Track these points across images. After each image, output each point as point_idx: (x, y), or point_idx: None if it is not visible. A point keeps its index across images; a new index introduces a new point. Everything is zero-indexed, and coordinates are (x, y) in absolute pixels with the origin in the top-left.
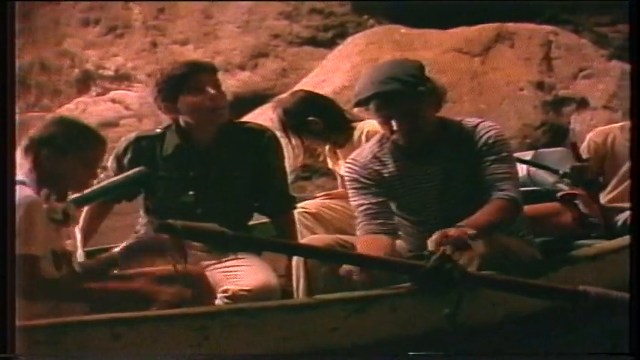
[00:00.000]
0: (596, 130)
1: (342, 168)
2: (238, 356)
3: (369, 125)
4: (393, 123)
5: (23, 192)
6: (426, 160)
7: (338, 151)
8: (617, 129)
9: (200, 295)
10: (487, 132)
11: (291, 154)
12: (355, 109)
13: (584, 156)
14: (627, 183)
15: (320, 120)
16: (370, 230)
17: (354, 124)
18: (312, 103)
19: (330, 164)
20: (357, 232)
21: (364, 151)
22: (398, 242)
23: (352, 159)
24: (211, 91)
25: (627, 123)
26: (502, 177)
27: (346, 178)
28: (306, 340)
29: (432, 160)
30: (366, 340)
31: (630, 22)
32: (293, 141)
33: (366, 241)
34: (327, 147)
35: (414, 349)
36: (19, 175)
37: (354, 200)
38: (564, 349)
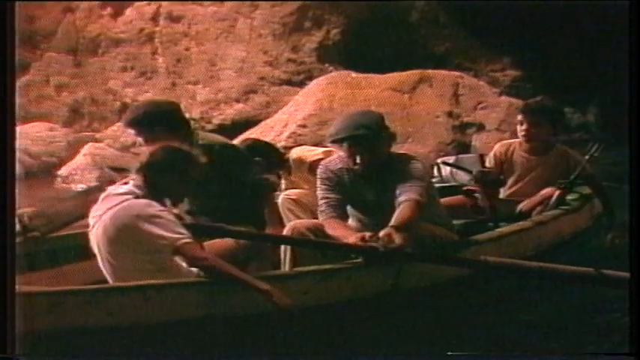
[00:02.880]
0: (501, 143)
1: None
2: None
3: (293, 153)
4: (357, 158)
5: (135, 202)
6: (374, 181)
7: (280, 174)
8: (516, 143)
9: None
10: (406, 160)
11: None
12: (329, 144)
13: (488, 164)
14: (521, 183)
15: (261, 159)
16: (331, 216)
17: (290, 155)
18: (256, 147)
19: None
20: (320, 218)
21: (335, 161)
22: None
23: (325, 164)
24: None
25: (520, 137)
26: (408, 188)
27: (318, 176)
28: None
29: (376, 181)
30: (329, 301)
31: (630, 22)
32: None
33: (330, 224)
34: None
35: (365, 309)
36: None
37: (320, 194)
38: (565, 348)
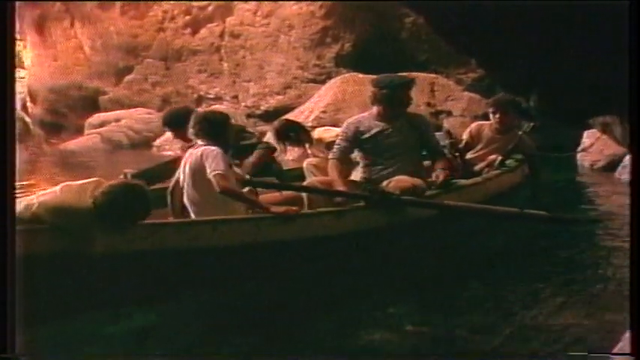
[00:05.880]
0: (476, 123)
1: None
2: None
3: (315, 133)
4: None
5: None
6: (395, 125)
7: (306, 146)
8: (487, 125)
9: None
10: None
11: (280, 152)
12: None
13: (464, 135)
14: (484, 151)
15: (294, 135)
16: (336, 157)
17: (313, 134)
18: (291, 125)
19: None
20: (330, 155)
21: (359, 117)
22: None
23: (349, 121)
24: None
25: (493, 122)
26: (440, 147)
27: (341, 131)
28: (309, 230)
29: (397, 125)
30: (339, 232)
31: (630, 22)
32: (281, 146)
33: (333, 163)
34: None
35: (366, 238)
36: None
37: (338, 141)
38: (565, 349)
